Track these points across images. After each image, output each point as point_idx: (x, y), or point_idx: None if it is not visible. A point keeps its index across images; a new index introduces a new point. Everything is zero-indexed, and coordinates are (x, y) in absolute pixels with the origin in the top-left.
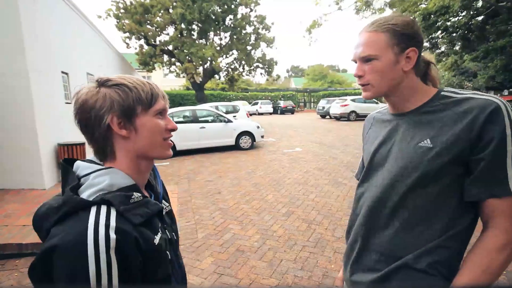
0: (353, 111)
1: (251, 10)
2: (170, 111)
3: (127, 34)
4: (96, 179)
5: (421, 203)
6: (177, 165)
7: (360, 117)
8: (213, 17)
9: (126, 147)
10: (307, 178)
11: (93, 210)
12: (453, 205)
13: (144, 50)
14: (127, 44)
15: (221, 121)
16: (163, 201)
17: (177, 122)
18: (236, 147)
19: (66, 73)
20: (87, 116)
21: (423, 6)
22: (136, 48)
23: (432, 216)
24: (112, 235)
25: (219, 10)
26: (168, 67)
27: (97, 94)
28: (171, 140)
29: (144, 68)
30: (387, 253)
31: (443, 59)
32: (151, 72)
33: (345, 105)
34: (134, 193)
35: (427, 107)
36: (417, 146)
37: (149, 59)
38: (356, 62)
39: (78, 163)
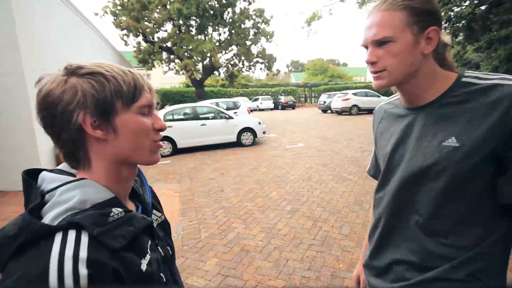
0: (354, 105)
1: (250, 3)
2: (170, 108)
3: (125, 32)
4: (64, 195)
5: (452, 209)
6: (178, 163)
7: (362, 111)
8: (211, 12)
9: (103, 151)
10: (311, 174)
11: (58, 237)
12: (488, 208)
13: (142, 47)
14: (125, 41)
15: (222, 117)
16: (154, 211)
17: (177, 120)
18: (237, 143)
19: None
20: (52, 112)
21: None
22: (134, 46)
23: (466, 222)
24: (83, 271)
25: (217, 5)
26: (167, 64)
27: (64, 84)
28: (167, 139)
29: (144, 66)
30: (417, 263)
31: None
32: (151, 70)
33: (347, 99)
34: (114, 208)
35: (447, 97)
36: (441, 146)
37: (148, 56)
38: (366, 48)
39: (43, 175)
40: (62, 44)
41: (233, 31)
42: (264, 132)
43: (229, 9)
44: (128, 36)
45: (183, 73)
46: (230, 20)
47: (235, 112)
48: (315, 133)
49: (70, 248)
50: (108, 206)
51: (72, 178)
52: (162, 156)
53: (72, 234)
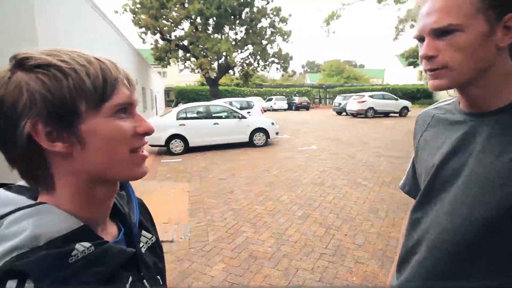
0: (370, 108)
1: (268, 2)
2: (183, 106)
3: (143, 29)
4: (12, 227)
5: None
6: (189, 161)
7: (378, 113)
8: (230, 11)
9: (68, 168)
10: (324, 178)
11: None
12: None
13: (159, 45)
14: (143, 39)
15: (235, 117)
16: (143, 232)
17: (190, 118)
18: (250, 144)
19: None
20: None
21: None
22: (151, 44)
23: None
24: None
25: (235, 3)
26: (183, 63)
27: (7, 82)
28: (180, 137)
29: (160, 63)
30: None
31: None
32: (166, 67)
33: (363, 102)
34: (78, 244)
35: None
36: (511, 164)
37: (164, 54)
38: (421, 41)
39: None
40: (81, 41)
41: (250, 30)
42: (277, 133)
43: (247, 8)
44: (146, 34)
45: (198, 72)
46: (248, 19)
47: (249, 112)
48: (329, 136)
49: None
50: (71, 241)
51: (28, 202)
52: (174, 154)
53: (11, 286)
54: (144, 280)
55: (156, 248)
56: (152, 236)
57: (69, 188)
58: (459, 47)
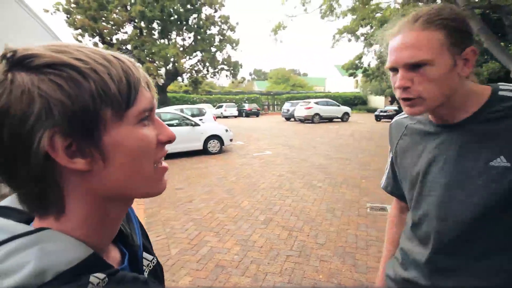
0: (317, 114)
1: (216, 11)
2: None
3: (79, 31)
4: (10, 259)
5: (499, 237)
6: None
7: (323, 119)
8: (176, 16)
9: (85, 187)
10: (282, 182)
11: None
12: None
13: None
14: (79, 41)
15: (187, 124)
16: (145, 254)
17: None
18: (204, 151)
19: None
20: None
21: (379, 15)
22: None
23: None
24: None
25: (182, 10)
26: None
27: (10, 85)
28: None
29: None
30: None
31: None
32: None
33: (309, 108)
34: (92, 276)
35: (486, 113)
36: (488, 166)
37: None
38: (393, 71)
39: None
40: (9, 40)
41: (198, 37)
42: (231, 140)
43: (195, 15)
44: (83, 36)
45: None
46: (195, 26)
47: (201, 119)
48: (281, 141)
49: None
50: (82, 273)
51: (27, 229)
52: None
53: None
54: None
55: (158, 271)
56: (153, 258)
57: (83, 210)
58: (430, 79)
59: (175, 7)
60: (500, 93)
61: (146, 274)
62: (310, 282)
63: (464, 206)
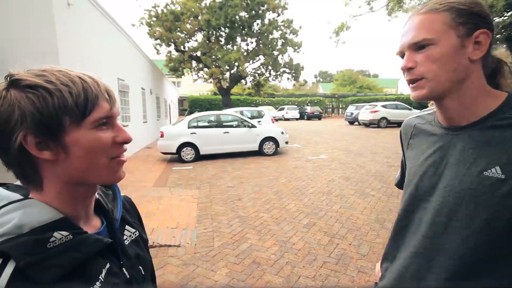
0: (383, 118)
1: (278, 15)
2: (194, 116)
3: (158, 41)
4: (4, 217)
5: (486, 251)
6: (199, 169)
7: (391, 123)
8: (240, 23)
9: (54, 172)
10: (332, 188)
11: None
12: None
13: (173, 56)
14: (157, 50)
15: (245, 126)
16: (127, 227)
17: (201, 127)
18: (259, 152)
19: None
20: None
21: None
22: (166, 55)
23: (503, 266)
24: None
25: (246, 16)
26: (196, 73)
27: (3, 99)
28: (191, 145)
29: (174, 73)
30: None
31: None
32: (181, 77)
33: (375, 111)
34: (56, 233)
35: (494, 119)
36: (482, 176)
37: (178, 64)
38: (402, 57)
39: None
40: (100, 53)
41: (260, 42)
42: (286, 142)
43: (258, 21)
44: (160, 45)
45: (210, 82)
46: (259, 31)
47: (259, 121)
48: (340, 145)
49: None
50: (51, 230)
51: (19, 197)
52: (185, 162)
53: None
54: (123, 268)
55: (140, 242)
56: (136, 231)
57: (55, 188)
58: (433, 58)
59: (239, 15)
60: None
61: (127, 242)
62: None
63: (456, 216)
